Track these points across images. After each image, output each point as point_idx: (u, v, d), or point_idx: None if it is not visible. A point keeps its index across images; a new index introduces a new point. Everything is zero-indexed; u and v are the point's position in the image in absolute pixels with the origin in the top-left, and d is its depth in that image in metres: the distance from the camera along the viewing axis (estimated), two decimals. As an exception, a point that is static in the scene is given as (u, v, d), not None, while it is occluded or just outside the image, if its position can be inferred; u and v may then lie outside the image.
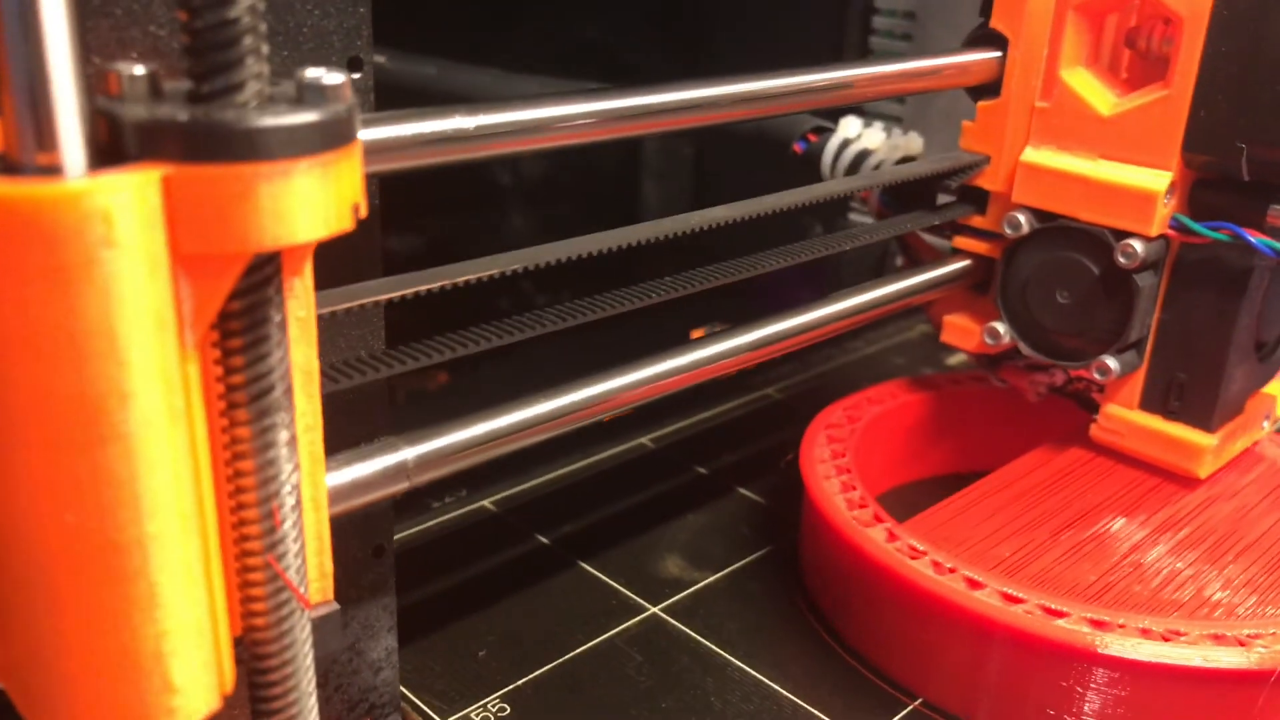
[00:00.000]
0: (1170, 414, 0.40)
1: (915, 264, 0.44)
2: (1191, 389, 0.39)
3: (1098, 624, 0.32)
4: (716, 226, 0.32)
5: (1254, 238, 0.35)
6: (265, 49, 0.18)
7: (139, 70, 0.18)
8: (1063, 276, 0.39)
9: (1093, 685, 0.32)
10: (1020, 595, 0.33)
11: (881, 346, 0.62)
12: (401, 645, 0.32)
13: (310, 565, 0.25)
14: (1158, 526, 0.38)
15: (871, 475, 0.43)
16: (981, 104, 0.40)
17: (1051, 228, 0.39)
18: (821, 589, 0.39)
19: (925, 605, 0.34)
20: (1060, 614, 0.32)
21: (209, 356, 0.20)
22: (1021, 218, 0.39)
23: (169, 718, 0.20)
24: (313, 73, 0.19)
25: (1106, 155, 0.38)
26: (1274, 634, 0.32)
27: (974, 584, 0.34)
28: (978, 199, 0.42)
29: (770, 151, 0.48)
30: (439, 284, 0.26)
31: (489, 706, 0.33)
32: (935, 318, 0.45)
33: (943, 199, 0.43)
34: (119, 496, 0.18)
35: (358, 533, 0.30)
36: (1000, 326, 0.41)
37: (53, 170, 0.17)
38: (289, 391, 0.21)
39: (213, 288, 0.18)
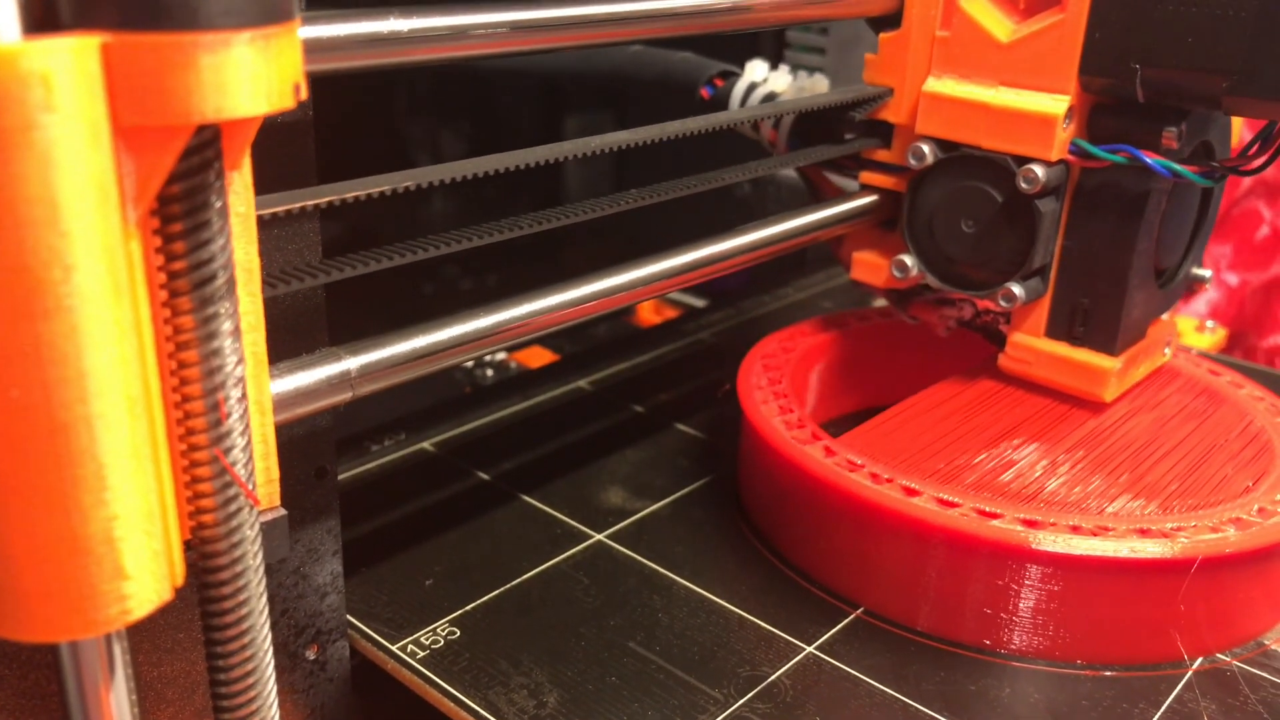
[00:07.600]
0: (1075, 340, 0.40)
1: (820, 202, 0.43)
2: (1095, 314, 0.39)
3: (1031, 523, 0.33)
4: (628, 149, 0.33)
5: (1150, 158, 0.36)
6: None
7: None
8: (967, 205, 0.39)
9: (1028, 582, 0.33)
10: (956, 500, 0.34)
11: (810, 293, 0.63)
12: (346, 578, 0.32)
13: (257, 470, 0.25)
14: (1082, 439, 0.40)
15: (806, 403, 0.44)
16: (883, 35, 0.41)
17: (955, 157, 0.39)
18: (762, 509, 0.39)
19: (865, 514, 0.35)
20: (995, 515, 0.33)
21: (151, 243, 0.19)
22: (925, 148, 0.39)
23: (121, 604, 0.19)
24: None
25: (1006, 82, 0.38)
26: (1195, 526, 0.34)
27: (911, 492, 0.34)
28: (883, 133, 0.42)
29: (679, 99, 0.47)
30: (375, 189, 0.26)
31: (438, 630, 0.33)
32: (845, 257, 0.44)
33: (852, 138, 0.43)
34: (64, 373, 0.18)
35: (300, 454, 0.30)
36: (908, 259, 0.41)
37: (-14, 36, 0.16)
38: (232, 282, 0.21)
39: (154, 162, 0.18)
